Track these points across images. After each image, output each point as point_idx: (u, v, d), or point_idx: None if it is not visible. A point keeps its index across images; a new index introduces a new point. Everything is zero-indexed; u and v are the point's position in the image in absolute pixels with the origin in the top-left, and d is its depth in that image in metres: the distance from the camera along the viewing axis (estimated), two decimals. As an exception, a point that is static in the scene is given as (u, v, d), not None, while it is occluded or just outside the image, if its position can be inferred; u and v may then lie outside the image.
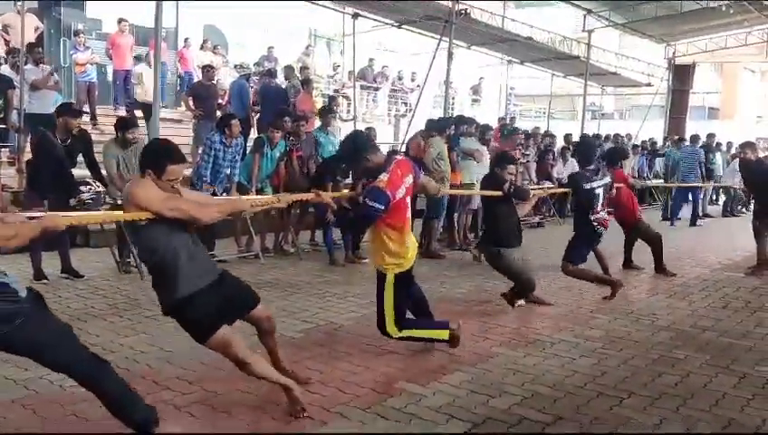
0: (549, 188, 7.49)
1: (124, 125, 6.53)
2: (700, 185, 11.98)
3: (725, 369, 4.21)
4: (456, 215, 9.00)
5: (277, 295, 5.91)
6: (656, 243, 7.29)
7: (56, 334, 2.74)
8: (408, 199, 4.20)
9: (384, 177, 3.97)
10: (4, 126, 8.71)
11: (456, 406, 3.52)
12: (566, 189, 7.63)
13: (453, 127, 9.02)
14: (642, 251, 7.48)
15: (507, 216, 5.57)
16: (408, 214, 4.23)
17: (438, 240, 9.05)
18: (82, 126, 6.76)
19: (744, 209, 14.13)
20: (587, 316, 5.45)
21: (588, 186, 6.02)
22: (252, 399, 3.53)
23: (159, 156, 3.10)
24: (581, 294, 6.19)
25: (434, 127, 8.57)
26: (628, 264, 7.51)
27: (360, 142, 4.23)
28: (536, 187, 8.70)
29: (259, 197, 4.60)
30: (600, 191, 6.06)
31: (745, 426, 3.34)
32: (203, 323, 3.17)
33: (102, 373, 2.85)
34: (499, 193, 5.50)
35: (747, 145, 7.77)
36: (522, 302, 5.71)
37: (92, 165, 6.57)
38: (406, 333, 4.24)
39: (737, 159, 9.13)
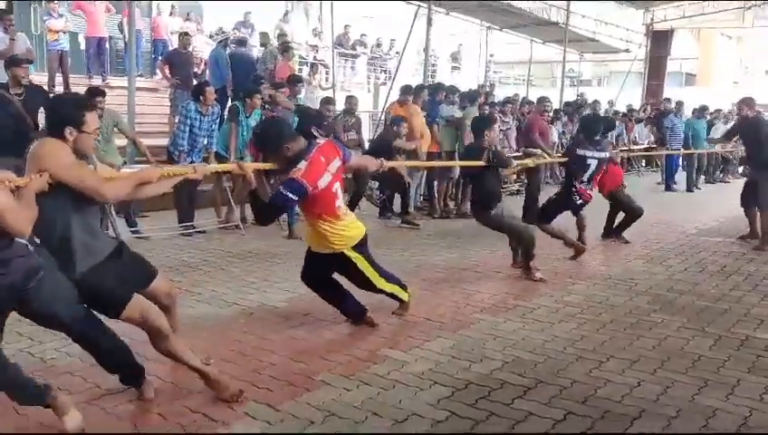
0: (537, 157, 7.41)
1: (93, 93, 6.41)
2: (693, 151, 12.12)
3: (701, 331, 4.30)
4: (435, 183, 9.02)
5: (259, 266, 5.90)
6: (633, 215, 7.22)
7: (67, 290, 2.79)
8: (337, 186, 3.98)
9: (302, 165, 3.76)
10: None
11: (438, 372, 3.55)
12: (555, 159, 7.63)
13: (427, 93, 9.00)
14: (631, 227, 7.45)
15: (492, 181, 5.56)
16: (339, 201, 4.01)
17: (418, 208, 9.09)
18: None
19: (727, 177, 14.37)
20: (566, 282, 5.51)
21: (581, 152, 6.08)
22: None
23: (74, 108, 2.89)
24: (560, 262, 6.25)
25: (408, 93, 8.57)
26: (608, 234, 7.41)
27: (277, 132, 3.95)
28: (516, 154, 8.69)
29: (173, 167, 4.25)
30: (592, 163, 6.09)
31: (720, 386, 3.42)
32: (113, 293, 2.97)
33: (101, 330, 2.96)
34: (480, 163, 5.48)
35: (744, 101, 7.48)
36: (540, 274, 5.58)
37: None
38: (390, 287, 4.30)
39: (722, 124, 9.17)
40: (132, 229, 6.87)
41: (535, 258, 5.61)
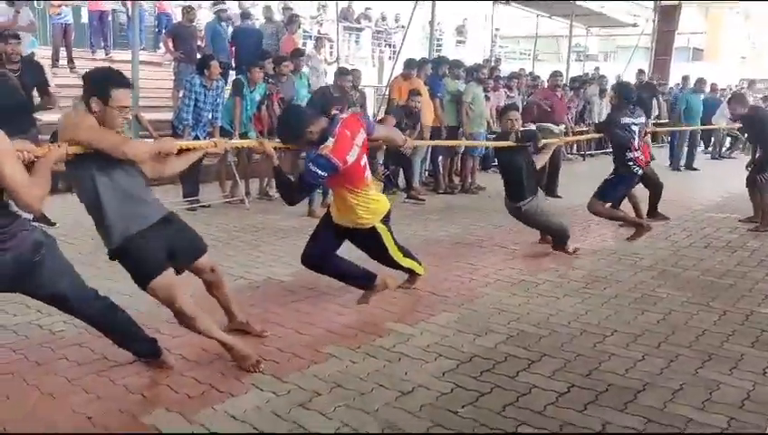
0: (565, 137, 7.30)
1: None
2: (690, 128, 11.87)
3: (706, 306, 4.31)
4: (440, 158, 9.00)
5: (264, 240, 5.91)
6: (657, 189, 7.15)
7: (69, 267, 2.81)
8: (365, 159, 3.96)
9: (330, 142, 3.71)
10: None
11: (443, 345, 3.58)
12: (584, 137, 7.53)
13: (431, 66, 8.95)
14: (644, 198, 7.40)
15: (522, 168, 5.40)
16: (367, 173, 4.00)
17: (423, 184, 9.08)
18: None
19: (732, 154, 14.21)
20: (570, 257, 5.51)
21: (625, 120, 5.94)
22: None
23: (102, 80, 2.88)
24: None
25: (412, 67, 8.53)
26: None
27: (297, 118, 3.87)
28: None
29: (194, 141, 4.24)
30: (636, 129, 5.98)
31: (724, 360, 3.44)
32: (144, 264, 3.00)
33: (108, 307, 2.96)
34: (509, 143, 5.42)
35: (734, 100, 7.38)
36: (577, 246, 5.65)
37: (43, 90, 6.10)
38: (406, 262, 4.35)
39: (725, 102, 8.98)
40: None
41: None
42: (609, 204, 6.10)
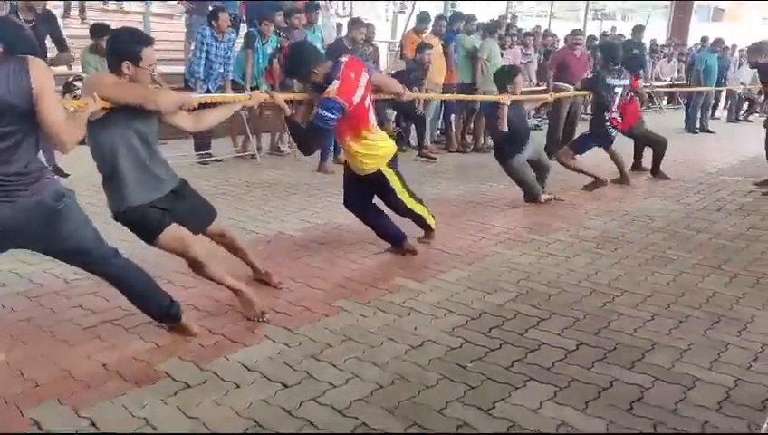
0: (557, 92, 7.25)
1: (98, 31, 6.33)
2: (706, 89, 11.64)
3: (717, 269, 4.30)
4: (452, 117, 8.91)
5: (275, 195, 5.92)
6: (659, 147, 7.23)
7: (90, 222, 2.79)
8: (369, 100, 4.03)
9: (335, 85, 3.78)
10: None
11: (453, 301, 3.60)
12: (576, 93, 7.50)
13: (445, 23, 8.80)
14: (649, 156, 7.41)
15: (512, 127, 5.52)
16: (371, 114, 4.07)
17: (435, 142, 9.02)
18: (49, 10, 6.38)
19: (749, 117, 13.98)
20: (582, 217, 5.50)
21: (610, 81, 6.18)
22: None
23: (130, 43, 2.88)
24: (577, 197, 6.22)
25: (425, 21, 8.41)
26: (637, 166, 7.49)
27: (305, 56, 3.95)
28: (537, 88, 8.53)
29: (231, 96, 4.31)
30: (618, 90, 6.22)
31: (734, 322, 3.44)
32: (148, 226, 3.05)
33: (128, 265, 2.91)
34: (497, 97, 5.50)
35: (752, 49, 7.25)
36: (547, 196, 5.87)
37: (60, 42, 6.07)
38: (418, 207, 4.39)
39: (743, 65, 8.81)
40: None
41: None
42: (578, 156, 6.37)
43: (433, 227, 4.56)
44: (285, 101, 4.01)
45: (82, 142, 2.72)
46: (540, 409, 2.54)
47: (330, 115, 3.78)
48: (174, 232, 3.07)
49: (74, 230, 2.68)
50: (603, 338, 3.20)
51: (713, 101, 12.91)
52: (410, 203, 4.33)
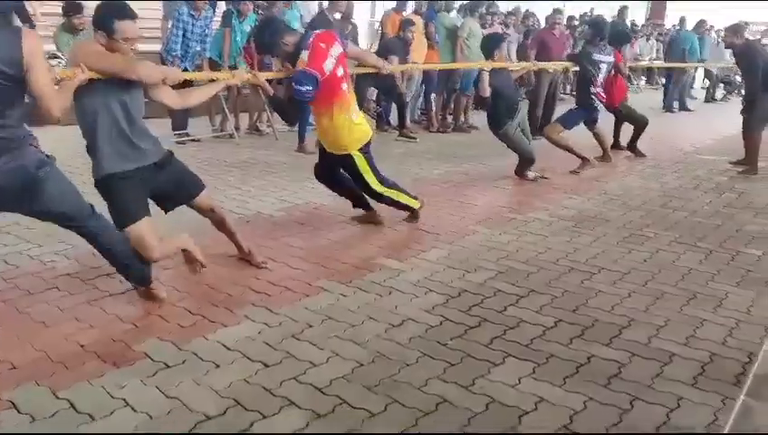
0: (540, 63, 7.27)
1: (71, 9, 6.31)
2: (691, 65, 11.75)
3: (693, 246, 4.36)
4: (433, 96, 8.88)
5: (255, 175, 5.88)
6: (640, 125, 7.42)
7: (71, 186, 2.84)
8: (342, 71, 3.99)
9: (304, 55, 3.83)
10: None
11: (433, 280, 3.61)
12: (561, 64, 7.56)
13: (426, 2, 8.76)
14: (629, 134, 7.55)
15: (502, 95, 5.72)
16: (345, 86, 4.03)
17: (416, 122, 9.00)
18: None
19: (727, 97, 14.14)
20: (561, 196, 5.54)
21: (597, 57, 6.34)
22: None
23: (105, 14, 2.90)
24: (557, 176, 6.25)
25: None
26: (615, 145, 7.58)
27: (272, 27, 4.01)
28: (515, 65, 8.52)
29: (214, 73, 4.41)
30: (603, 66, 6.38)
31: (709, 298, 3.50)
32: (121, 210, 3.07)
33: (106, 225, 2.98)
34: (480, 64, 5.68)
35: (730, 30, 7.26)
36: (533, 174, 6.04)
37: (21, 13, 6.15)
38: (388, 192, 4.34)
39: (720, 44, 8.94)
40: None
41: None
42: (566, 132, 6.48)
43: (415, 207, 4.55)
44: (267, 80, 4.02)
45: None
46: (518, 385, 2.56)
47: (304, 88, 3.79)
48: (141, 230, 3.06)
49: (54, 196, 2.74)
50: (581, 315, 3.24)
51: (691, 80, 13.07)
52: (380, 188, 4.30)
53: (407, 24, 7.70)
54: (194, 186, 3.43)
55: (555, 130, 6.43)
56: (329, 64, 3.86)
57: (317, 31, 4.01)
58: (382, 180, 4.32)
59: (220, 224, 3.63)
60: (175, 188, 3.32)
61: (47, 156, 2.72)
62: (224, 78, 3.93)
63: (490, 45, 5.83)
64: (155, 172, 3.17)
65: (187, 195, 3.40)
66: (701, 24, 12.18)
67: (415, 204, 4.53)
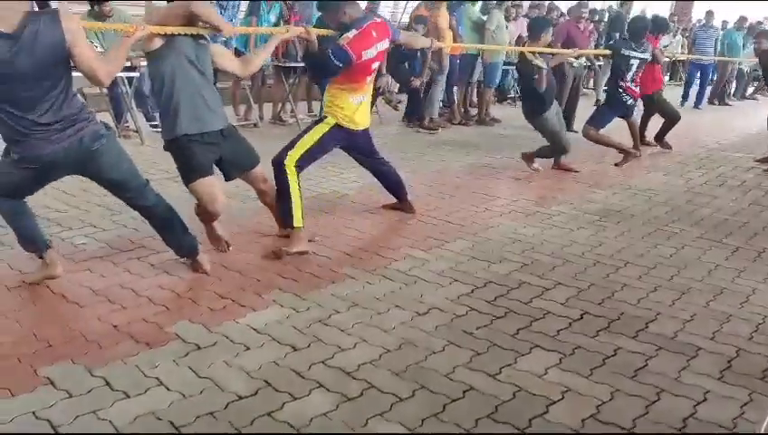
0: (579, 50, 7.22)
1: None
2: (717, 60, 11.65)
3: (719, 243, 4.33)
4: (455, 89, 8.87)
5: (279, 164, 5.91)
6: (671, 118, 7.37)
7: (127, 158, 3.06)
8: (376, 65, 4.06)
9: (351, 34, 3.80)
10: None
11: (458, 271, 3.63)
12: (597, 52, 7.56)
13: None
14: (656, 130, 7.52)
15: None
16: (369, 78, 4.06)
17: (439, 115, 8.99)
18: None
19: (756, 95, 14.01)
20: (585, 190, 5.52)
21: (626, 53, 6.24)
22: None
23: None
24: (581, 170, 6.23)
25: None
26: (641, 139, 7.49)
27: None
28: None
29: (267, 28, 4.73)
30: (634, 63, 6.26)
31: (735, 294, 3.48)
32: (190, 167, 3.34)
33: (159, 197, 3.21)
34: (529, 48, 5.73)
35: (762, 34, 7.38)
36: (537, 165, 6.06)
37: None
38: (292, 177, 3.83)
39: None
40: (152, 124, 6.87)
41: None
42: (601, 129, 6.41)
43: (297, 224, 3.75)
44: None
45: None
46: (545, 375, 2.58)
47: (336, 62, 3.76)
48: (210, 183, 3.36)
49: (111, 166, 2.96)
50: (607, 308, 3.24)
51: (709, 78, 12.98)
52: (293, 155, 3.88)
53: (417, 20, 7.71)
54: (254, 156, 3.68)
55: (590, 130, 6.37)
56: (369, 54, 3.88)
57: (377, 18, 4.05)
58: (301, 165, 3.90)
59: (266, 195, 3.83)
60: (236, 157, 3.56)
61: (106, 126, 2.94)
62: (278, 32, 4.13)
63: (537, 27, 5.82)
64: (221, 139, 3.42)
65: (249, 164, 3.65)
66: (742, 20, 12.17)
67: (299, 221, 3.75)
